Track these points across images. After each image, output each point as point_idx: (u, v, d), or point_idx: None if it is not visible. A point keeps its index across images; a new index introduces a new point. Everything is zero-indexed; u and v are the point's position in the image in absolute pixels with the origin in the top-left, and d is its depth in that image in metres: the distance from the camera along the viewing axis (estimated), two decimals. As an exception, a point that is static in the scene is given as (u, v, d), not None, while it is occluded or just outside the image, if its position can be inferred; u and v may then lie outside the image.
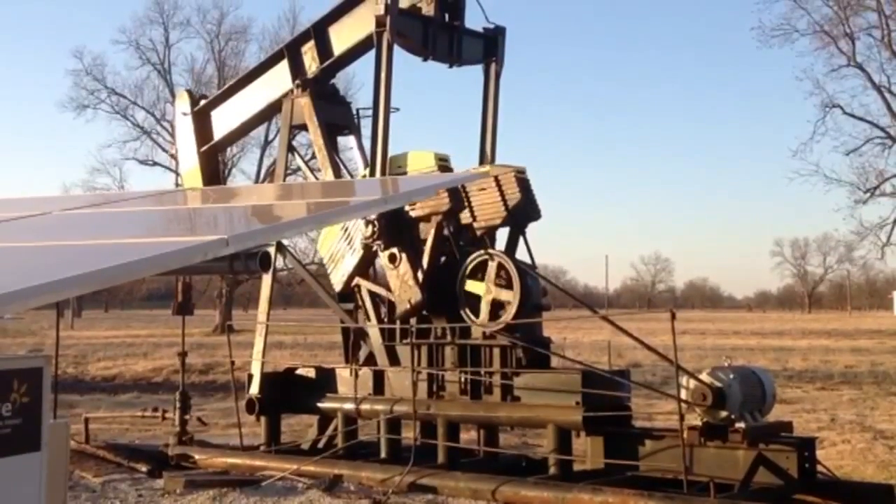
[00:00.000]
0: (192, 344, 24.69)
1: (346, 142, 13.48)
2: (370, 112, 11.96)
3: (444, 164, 11.47)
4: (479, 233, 11.25)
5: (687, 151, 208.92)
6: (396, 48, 11.66)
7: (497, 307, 10.67)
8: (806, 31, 41.17)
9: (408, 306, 11.29)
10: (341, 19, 12.40)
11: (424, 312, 11.34)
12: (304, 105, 12.58)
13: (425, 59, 12.27)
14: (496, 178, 10.90)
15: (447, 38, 12.26)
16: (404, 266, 11.35)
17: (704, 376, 9.32)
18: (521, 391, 10.48)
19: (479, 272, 10.82)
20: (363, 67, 45.74)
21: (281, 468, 10.82)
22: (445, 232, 11.32)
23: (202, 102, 14.41)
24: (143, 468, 11.60)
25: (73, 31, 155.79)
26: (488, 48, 12.77)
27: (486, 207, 11.07)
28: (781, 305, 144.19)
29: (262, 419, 12.36)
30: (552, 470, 10.07)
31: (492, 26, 12.71)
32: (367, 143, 12.16)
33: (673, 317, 9.51)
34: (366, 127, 12.48)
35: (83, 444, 12.70)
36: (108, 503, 9.94)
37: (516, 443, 13.56)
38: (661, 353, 10.54)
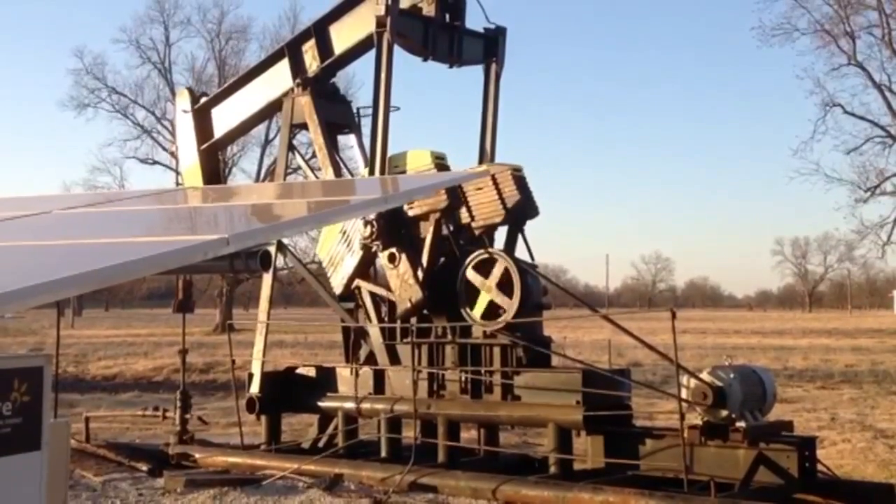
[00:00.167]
0: (192, 343, 24.68)
1: (347, 141, 13.50)
2: (370, 111, 11.97)
3: (440, 163, 11.47)
4: (477, 232, 11.26)
5: (687, 151, 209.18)
6: (396, 48, 11.67)
7: (496, 307, 10.68)
8: (806, 30, 41.19)
9: (408, 305, 11.29)
10: (342, 18, 12.40)
11: (425, 311, 11.35)
12: (304, 104, 12.58)
13: (425, 60, 12.28)
14: (493, 177, 10.91)
15: (447, 38, 12.26)
16: (404, 265, 11.35)
17: (705, 375, 9.32)
18: (521, 390, 10.48)
19: (480, 270, 10.82)
20: (363, 67, 45.70)
21: (281, 467, 10.81)
22: (444, 230, 11.33)
23: (203, 100, 14.40)
24: (144, 467, 11.59)
25: (74, 31, 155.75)
26: (488, 48, 12.77)
27: (484, 206, 11.08)
28: (782, 304, 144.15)
29: (263, 418, 12.36)
30: (553, 469, 10.08)
31: (492, 26, 12.72)
32: (367, 142, 12.17)
33: (673, 316, 9.51)
34: (366, 126, 12.50)
35: (84, 444, 12.70)
36: (108, 502, 9.93)
37: (517, 442, 13.55)
38: (662, 352, 10.54)
